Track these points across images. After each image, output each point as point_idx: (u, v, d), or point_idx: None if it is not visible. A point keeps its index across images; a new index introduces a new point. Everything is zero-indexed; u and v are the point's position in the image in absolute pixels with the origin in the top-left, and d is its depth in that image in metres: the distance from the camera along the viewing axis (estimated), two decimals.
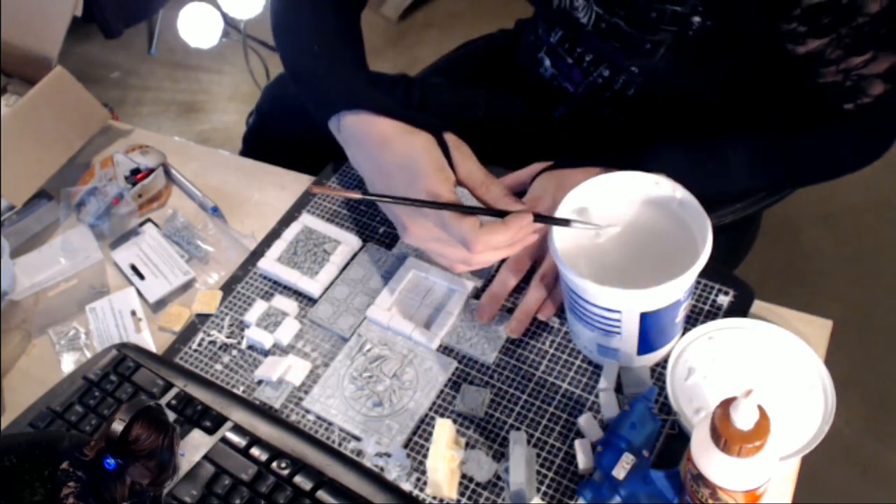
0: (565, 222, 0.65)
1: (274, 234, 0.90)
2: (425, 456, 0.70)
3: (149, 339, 0.85)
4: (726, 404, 0.54)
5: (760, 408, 0.53)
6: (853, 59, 0.73)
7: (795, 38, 0.73)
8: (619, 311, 0.65)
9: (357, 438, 0.73)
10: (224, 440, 0.70)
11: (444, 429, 0.68)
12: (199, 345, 0.82)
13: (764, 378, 0.68)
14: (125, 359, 0.78)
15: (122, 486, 0.52)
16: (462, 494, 0.68)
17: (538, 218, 0.64)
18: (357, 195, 0.63)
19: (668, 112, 0.85)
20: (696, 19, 0.75)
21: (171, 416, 0.73)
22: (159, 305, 0.88)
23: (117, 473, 0.51)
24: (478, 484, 0.68)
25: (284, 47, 0.81)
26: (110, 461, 0.50)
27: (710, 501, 0.58)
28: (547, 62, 0.90)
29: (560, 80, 0.89)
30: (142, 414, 0.52)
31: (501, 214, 0.65)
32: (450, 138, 0.68)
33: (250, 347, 0.81)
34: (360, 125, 0.70)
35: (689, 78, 0.80)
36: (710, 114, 0.85)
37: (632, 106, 0.85)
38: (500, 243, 0.63)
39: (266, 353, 0.80)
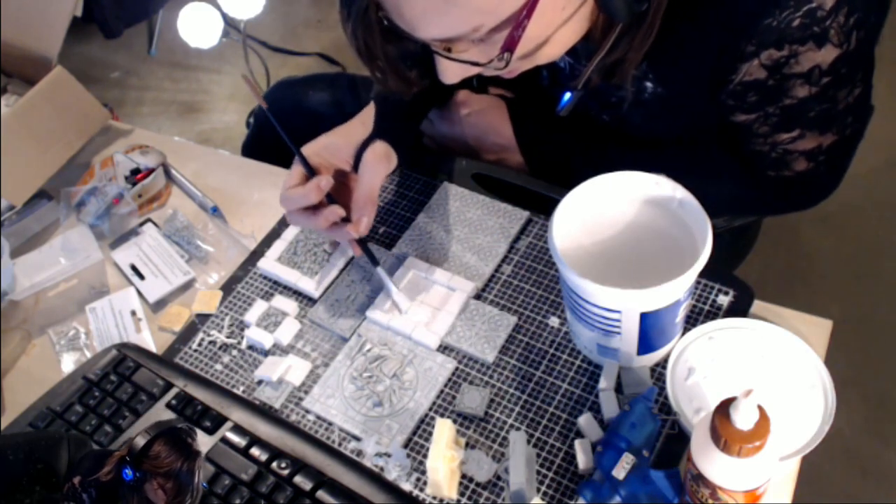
0: (375, 262, 0.79)
1: (274, 234, 0.90)
2: (425, 456, 0.70)
3: (149, 339, 0.85)
4: (726, 404, 0.54)
5: (760, 408, 0.53)
6: (780, 134, 0.75)
7: (726, 110, 0.76)
8: (619, 311, 0.65)
9: (357, 438, 0.73)
10: (224, 440, 0.70)
11: (444, 429, 0.68)
12: (199, 345, 0.82)
13: (764, 378, 0.68)
14: (125, 359, 0.78)
15: (137, 502, 0.52)
16: (462, 494, 0.68)
17: (361, 242, 0.79)
18: (264, 105, 0.79)
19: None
20: (649, 84, 0.78)
21: (171, 415, 0.73)
22: (159, 305, 0.88)
23: (133, 487, 0.51)
24: (478, 484, 0.68)
25: None
26: (128, 472, 0.50)
27: (710, 501, 0.58)
28: (545, 73, 0.91)
29: (556, 90, 0.90)
30: (167, 433, 0.52)
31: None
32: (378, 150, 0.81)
33: (250, 347, 0.81)
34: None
35: (652, 129, 0.85)
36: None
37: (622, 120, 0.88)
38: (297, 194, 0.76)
39: (266, 353, 0.80)
